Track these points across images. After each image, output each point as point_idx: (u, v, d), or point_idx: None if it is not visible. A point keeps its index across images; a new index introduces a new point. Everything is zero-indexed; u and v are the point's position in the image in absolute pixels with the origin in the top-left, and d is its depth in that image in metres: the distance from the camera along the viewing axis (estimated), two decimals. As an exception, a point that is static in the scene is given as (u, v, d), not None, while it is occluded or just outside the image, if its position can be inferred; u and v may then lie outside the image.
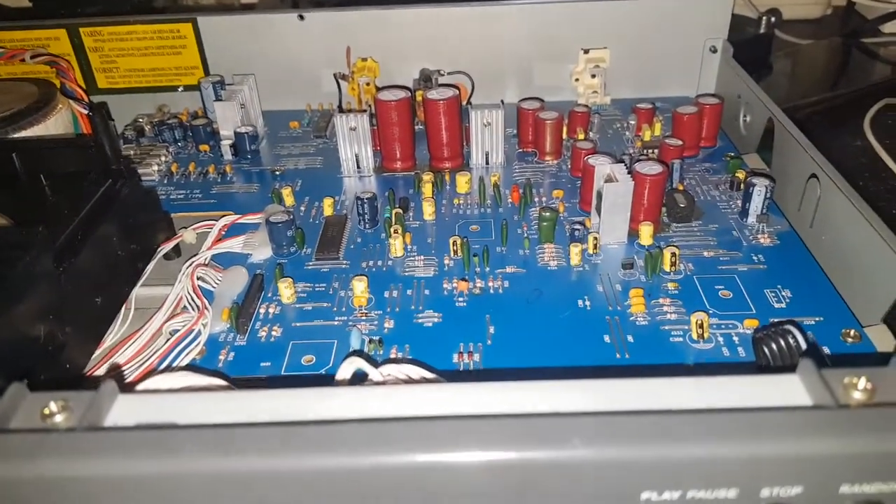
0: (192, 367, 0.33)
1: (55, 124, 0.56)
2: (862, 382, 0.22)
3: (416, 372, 0.29)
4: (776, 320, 0.37)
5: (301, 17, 0.64)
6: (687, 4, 0.64)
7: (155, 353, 0.39)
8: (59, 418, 0.22)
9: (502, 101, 0.56)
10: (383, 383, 0.28)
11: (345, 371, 0.30)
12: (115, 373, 0.36)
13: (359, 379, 0.29)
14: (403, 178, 0.56)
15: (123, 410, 0.23)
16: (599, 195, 0.45)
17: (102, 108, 0.46)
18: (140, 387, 0.28)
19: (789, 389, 0.22)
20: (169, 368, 0.30)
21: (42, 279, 0.34)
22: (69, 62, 0.63)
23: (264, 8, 0.65)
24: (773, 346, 0.30)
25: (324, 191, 0.54)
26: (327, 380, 0.35)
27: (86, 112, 0.58)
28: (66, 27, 0.66)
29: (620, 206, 0.45)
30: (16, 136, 0.52)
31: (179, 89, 0.69)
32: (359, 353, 0.35)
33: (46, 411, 0.23)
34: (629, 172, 0.45)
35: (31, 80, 0.61)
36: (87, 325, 0.39)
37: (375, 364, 0.30)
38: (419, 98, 0.61)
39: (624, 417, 0.20)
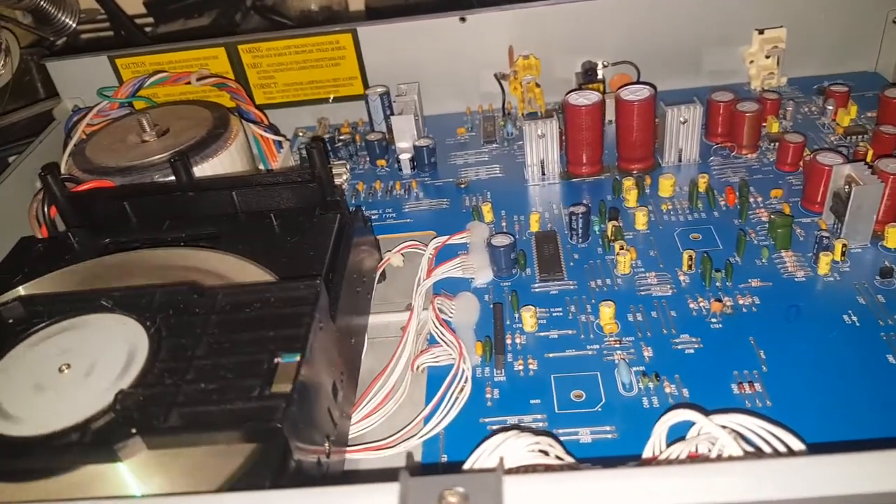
0: (546, 433, 0.32)
1: (237, 149, 0.56)
2: None
3: (757, 425, 0.28)
4: None
5: (463, 20, 0.63)
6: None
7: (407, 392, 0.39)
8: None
9: (696, 97, 0.53)
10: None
11: (668, 422, 0.29)
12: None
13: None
14: (589, 182, 0.55)
15: (517, 497, 0.23)
16: (839, 197, 0.43)
17: (320, 142, 0.46)
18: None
19: None
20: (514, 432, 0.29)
21: (325, 330, 0.34)
22: (238, 83, 0.63)
23: (424, 13, 0.64)
24: None
25: (514, 201, 0.53)
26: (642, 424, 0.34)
27: (266, 135, 0.58)
28: (224, 45, 0.66)
29: (867, 210, 0.42)
30: (204, 164, 0.52)
31: (330, 100, 0.68)
32: (686, 405, 0.34)
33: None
34: (872, 172, 0.42)
35: (198, 102, 0.61)
36: (351, 367, 0.39)
37: (705, 413, 0.29)
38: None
39: None
